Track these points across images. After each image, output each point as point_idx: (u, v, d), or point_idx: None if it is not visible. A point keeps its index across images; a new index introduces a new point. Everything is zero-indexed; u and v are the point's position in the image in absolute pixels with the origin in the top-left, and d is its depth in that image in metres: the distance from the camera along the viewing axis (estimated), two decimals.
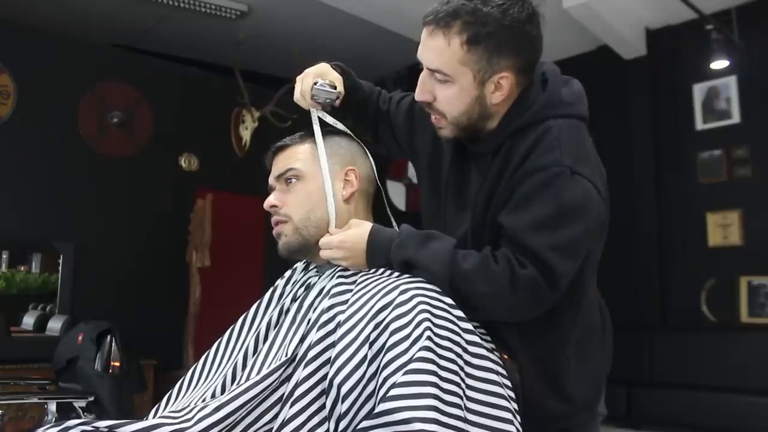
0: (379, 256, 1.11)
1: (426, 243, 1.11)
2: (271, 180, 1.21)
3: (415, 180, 3.71)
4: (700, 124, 4.63)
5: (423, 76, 1.18)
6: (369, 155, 1.26)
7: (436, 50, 1.13)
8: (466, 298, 1.07)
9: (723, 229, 4.45)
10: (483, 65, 1.12)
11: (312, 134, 1.21)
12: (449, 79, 1.13)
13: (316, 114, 1.23)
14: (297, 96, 1.28)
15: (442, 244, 1.11)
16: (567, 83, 1.22)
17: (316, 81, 1.25)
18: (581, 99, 1.22)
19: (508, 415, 0.95)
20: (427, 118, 1.26)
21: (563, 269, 1.08)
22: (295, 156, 1.18)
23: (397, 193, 5.58)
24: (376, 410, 0.86)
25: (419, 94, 1.19)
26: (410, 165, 5.78)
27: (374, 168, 1.26)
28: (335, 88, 1.26)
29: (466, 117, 1.17)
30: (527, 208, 1.09)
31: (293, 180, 1.17)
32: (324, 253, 1.16)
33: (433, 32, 1.13)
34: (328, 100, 1.23)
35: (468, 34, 1.10)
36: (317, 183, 1.16)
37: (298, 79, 1.29)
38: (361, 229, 1.14)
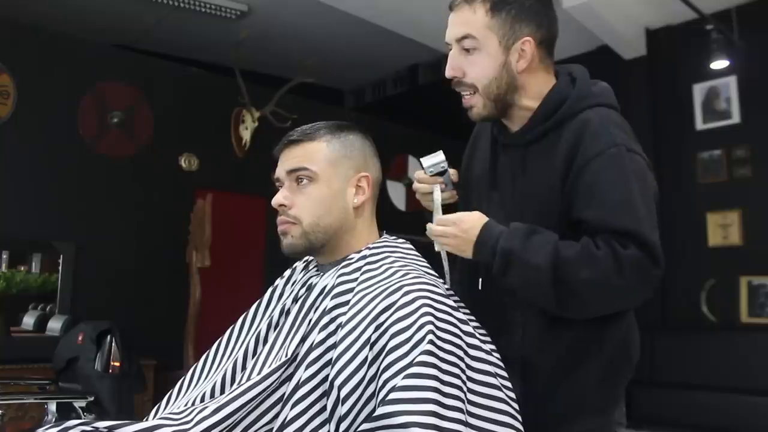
0: (486, 244, 1.15)
1: (530, 236, 1.14)
2: (281, 172, 1.16)
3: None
4: (700, 124, 4.64)
5: (452, 53, 1.25)
6: (377, 156, 1.22)
7: (463, 20, 1.23)
8: (572, 287, 1.09)
9: (723, 229, 4.46)
10: (506, 30, 1.21)
11: (327, 129, 1.17)
12: (477, 45, 1.22)
13: (438, 192, 1.27)
14: (417, 186, 1.33)
15: (544, 237, 1.14)
16: (595, 84, 1.30)
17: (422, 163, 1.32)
18: (610, 93, 1.30)
19: (508, 419, 0.95)
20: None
21: (655, 240, 1.11)
22: (310, 155, 1.13)
23: (397, 193, 5.58)
24: (376, 413, 0.86)
25: (449, 71, 1.26)
26: (410, 164, 5.79)
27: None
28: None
29: (495, 85, 1.23)
30: (601, 194, 1.13)
31: (305, 180, 1.13)
32: (436, 229, 1.21)
33: (459, 7, 1.24)
34: (442, 167, 1.27)
35: (491, 2, 1.21)
36: (329, 188, 1.13)
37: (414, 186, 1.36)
38: (477, 215, 1.19)
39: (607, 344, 1.22)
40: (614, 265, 1.08)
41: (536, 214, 1.20)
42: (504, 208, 1.26)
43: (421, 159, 1.30)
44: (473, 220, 1.19)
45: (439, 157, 1.28)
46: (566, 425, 1.20)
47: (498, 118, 1.29)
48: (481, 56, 1.22)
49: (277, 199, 1.15)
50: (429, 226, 1.24)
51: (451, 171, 1.31)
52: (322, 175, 1.13)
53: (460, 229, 1.18)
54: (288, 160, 1.15)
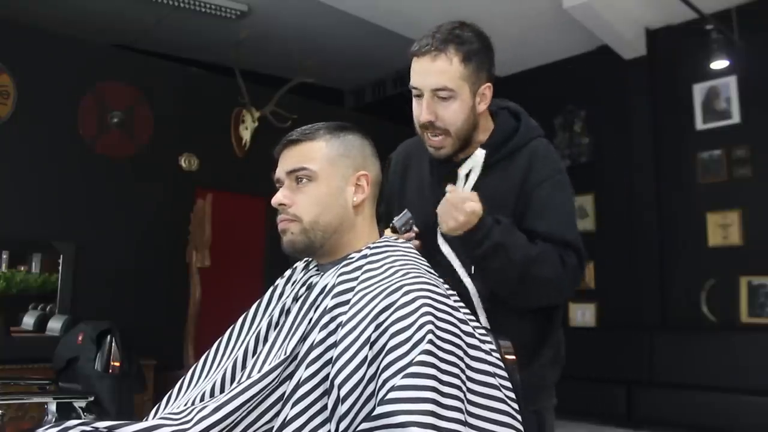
0: (477, 234, 1.29)
1: (513, 232, 1.33)
2: (280, 173, 1.17)
3: None
4: (700, 124, 4.64)
5: (427, 99, 1.36)
6: (377, 156, 1.23)
7: (441, 71, 1.34)
8: (533, 281, 1.31)
9: (723, 229, 4.46)
10: (475, 79, 1.36)
11: (326, 129, 1.17)
12: (453, 95, 1.34)
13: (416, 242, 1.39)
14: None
15: (521, 236, 1.33)
16: (530, 117, 1.49)
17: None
18: (538, 126, 1.51)
19: (507, 419, 0.95)
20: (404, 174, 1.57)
21: (583, 248, 1.37)
22: (309, 155, 1.14)
23: None
24: (375, 413, 0.86)
25: (426, 115, 1.37)
26: None
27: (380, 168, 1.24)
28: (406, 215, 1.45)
29: (466, 126, 1.38)
30: (552, 210, 1.37)
31: (304, 180, 1.13)
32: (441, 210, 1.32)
33: (435, 57, 1.34)
34: (411, 221, 1.42)
35: (462, 53, 1.34)
36: (329, 186, 1.13)
37: None
38: (480, 207, 1.30)
39: (556, 333, 1.46)
40: (563, 269, 1.33)
41: None
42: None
43: (394, 220, 1.43)
44: (478, 209, 1.29)
45: (407, 215, 1.42)
46: (529, 402, 1.30)
47: (458, 153, 1.43)
48: (455, 103, 1.35)
49: (277, 198, 1.15)
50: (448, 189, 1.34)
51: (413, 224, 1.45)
52: (321, 174, 1.13)
53: (465, 217, 1.29)
54: (287, 160, 1.16)
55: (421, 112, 1.38)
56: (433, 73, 1.34)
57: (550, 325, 1.45)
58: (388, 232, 1.40)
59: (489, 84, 1.39)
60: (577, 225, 1.41)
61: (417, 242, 1.42)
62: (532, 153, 1.42)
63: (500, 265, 1.31)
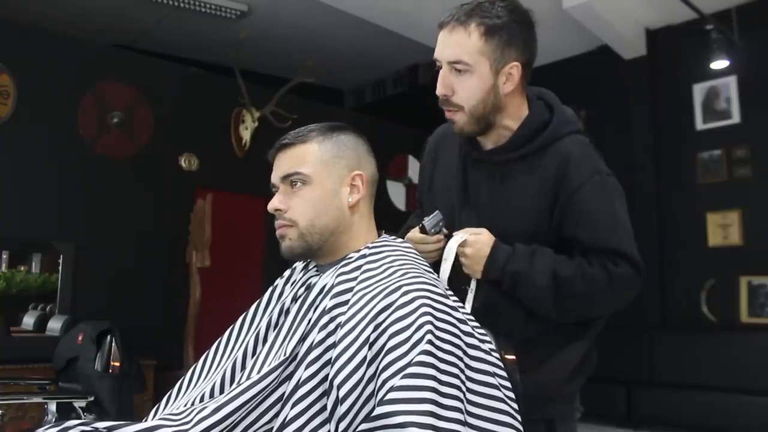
0: (496, 265, 1.28)
1: (533, 258, 1.28)
2: (275, 179, 1.18)
3: (415, 181, 3.73)
4: (700, 124, 4.64)
5: (443, 72, 1.31)
6: (372, 154, 1.23)
7: (458, 43, 1.28)
8: (570, 301, 1.27)
9: (723, 229, 4.46)
10: (498, 55, 1.28)
11: (318, 131, 1.18)
12: (469, 69, 1.28)
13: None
14: (423, 248, 1.35)
15: (545, 257, 1.28)
16: (566, 109, 1.41)
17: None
18: (576, 118, 1.42)
19: (507, 419, 0.95)
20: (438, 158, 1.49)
21: (638, 255, 1.29)
22: (302, 158, 1.14)
23: (397, 193, 5.58)
24: (374, 413, 0.86)
25: (440, 89, 1.32)
26: (410, 164, 5.79)
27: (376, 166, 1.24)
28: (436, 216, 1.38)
29: (482, 105, 1.31)
30: (591, 218, 1.29)
31: (299, 183, 1.14)
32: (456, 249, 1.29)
33: (454, 29, 1.29)
34: (440, 223, 1.35)
35: (485, 26, 1.27)
36: (323, 189, 1.14)
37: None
38: (487, 237, 1.30)
39: (585, 341, 1.40)
40: (606, 279, 1.26)
41: (520, 231, 1.32)
42: (478, 219, 1.36)
43: (424, 220, 1.36)
44: (484, 242, 1.28)
45: (438, 217, 1.36)
46: (539, 410, 1.27)
47: (478, 134, 1.37)
48: (471, 79, 1.29)
49: (272, 204, 1.15)
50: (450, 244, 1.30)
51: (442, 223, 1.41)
52: (315, 177, 1.13)
53: (473, 249, 1.28)
54: (281, 165, 1.17)
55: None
56: (451, 45, 1.29)
57: (574, 335, 1.38)
58: (416, 231, 1.36)
59: (517, 63, 1.29)
60: (626, 229, 1.31)
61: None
62: (565, 154, 1.32)
63: (527, 293, 1.28)
